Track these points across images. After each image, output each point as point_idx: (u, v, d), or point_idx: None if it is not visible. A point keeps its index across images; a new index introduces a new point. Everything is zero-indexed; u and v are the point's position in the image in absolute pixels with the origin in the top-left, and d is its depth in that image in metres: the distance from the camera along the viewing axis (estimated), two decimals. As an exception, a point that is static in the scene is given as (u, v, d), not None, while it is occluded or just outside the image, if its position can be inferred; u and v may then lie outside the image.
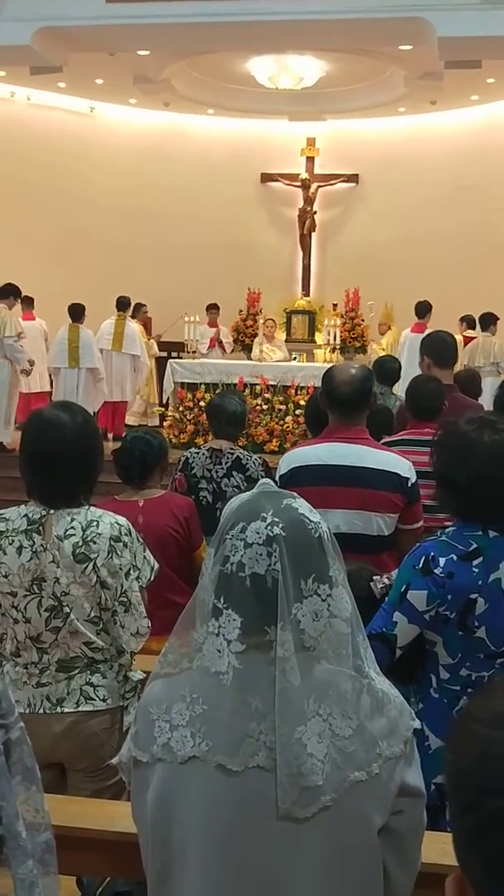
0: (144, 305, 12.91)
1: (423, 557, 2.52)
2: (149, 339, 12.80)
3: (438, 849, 2.12)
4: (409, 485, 3.52)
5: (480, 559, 2.49)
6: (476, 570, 2.48)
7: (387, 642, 2.49)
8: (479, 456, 2.54)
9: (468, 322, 11.89)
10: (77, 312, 11.47)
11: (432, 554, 2.52)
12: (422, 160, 13.91)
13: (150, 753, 1.58)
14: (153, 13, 9.59)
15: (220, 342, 13.19)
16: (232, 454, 4.77)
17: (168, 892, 1.57)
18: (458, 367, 7.39)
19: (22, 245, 13.46)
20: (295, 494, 1.68)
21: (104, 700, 2.79)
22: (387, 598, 2.57)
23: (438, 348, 5.01)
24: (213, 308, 13.27)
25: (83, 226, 13.95)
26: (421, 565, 2.51)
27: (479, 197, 13.33)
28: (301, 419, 10.37)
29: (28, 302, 12.08)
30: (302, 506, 1.63)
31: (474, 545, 2.50)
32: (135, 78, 12.59)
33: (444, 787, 2.38)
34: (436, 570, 2.49)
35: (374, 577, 2.62)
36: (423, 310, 11.07)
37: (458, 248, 13.47)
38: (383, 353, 12.14)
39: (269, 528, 1.56)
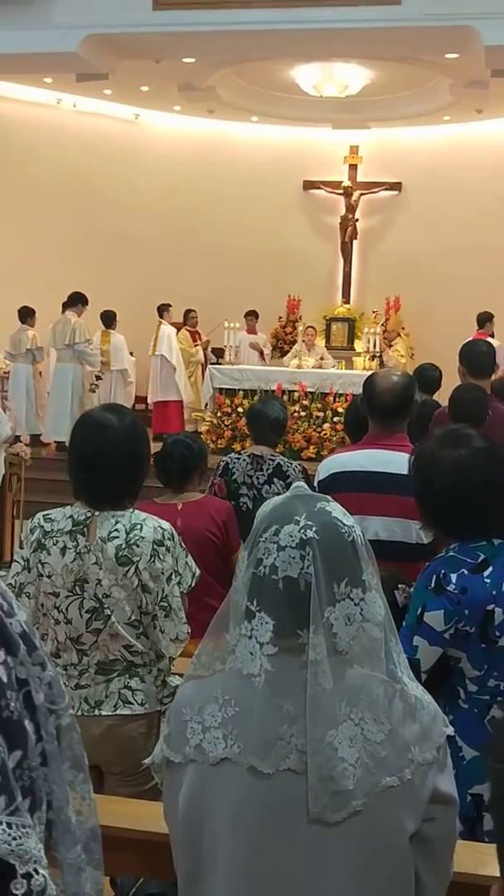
0: (192, 311, 13.03)
1: (434, 577, 2.49)
2: (194, 346, 12.92)
3: (474, 858, 2.11)
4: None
5: (490, 569, 2.47)
6: (488, 581, 2.46)
7: (411, 668, 2.45)
8: (439, 473, 2.56)
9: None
10: (109, 318, 12.05)
11: (442, 571, 2.49)
12: (466, 169, 13.83)
13: (182, 754, 1.59)
14: (199, 21, 9.64)
15: (261, 351, 13.21)
16: (273, 461, 4.78)
17: (199, 893, 1.58)
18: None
19: (66, 250, 13.60)
20: (328, 498, 1.67)
21: (142, 704, 2.80)
22: (404, 623, 2.53)
23: (472, 357, 4.97)
24: (251, 315, 13.31)
25: (127, 231, 14.07)
26: (433, 585, 2.48)
27: (523, 206, 13.23)
28: (339, 426, 10.36)
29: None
30: (335, 509, 1.63)
31: (482, 556, 2.49)
32: (180, 85, 12.67)
33: (480, 796, 2.36)
34: (448, 588, 2.46)
35: (400, 586, 2.59)
36: (483, 320, 11.14)
37: (502, 257, 13.37)
38: (402, 358, 12.24)
39: (302, 531, 1.56)
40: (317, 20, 9.48)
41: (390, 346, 13.17)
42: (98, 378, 11.87)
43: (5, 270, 12.78)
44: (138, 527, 2.73)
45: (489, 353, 5.17)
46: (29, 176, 13.46)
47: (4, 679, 0.67)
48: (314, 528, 1.56)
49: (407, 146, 14.38)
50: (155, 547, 2.72)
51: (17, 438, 10.83)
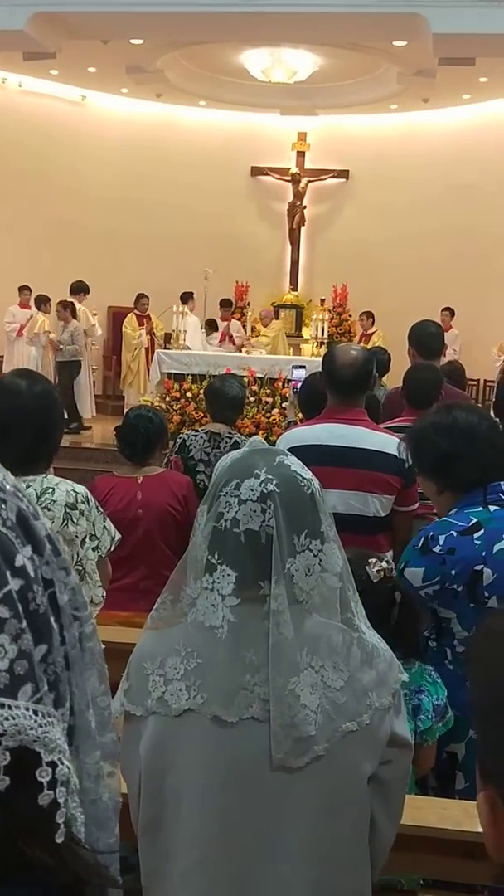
0: (145, 296, 13.06)
1: (423, 538, 2.58)
2: (138, 329, 12.92)
3: (437, 813, 2.16)
4: (407, 466, 3.54)
5: (482, 531, 2.52)
6: (478, 543, 2.51)
7: None
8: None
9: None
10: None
11: (432, 533, 2.57)
12: (413, 158, 13.97)
13: (143, 707, 1.59)
14: (148, 1, 9.56)
15: (231, 336, 13.22)
16: (230, 438, 4.77)
17: (161, 841, 1.59)
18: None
19: (9, 233, 13.41)
20: (287, 452, 1.69)
21: None
22: None
23: (422, 339, 4.97)
24: (225, 304, 13.51)
25: (71, 215, 13.92)
26: (420, 545, 2.56)
27: (469, 196, 13.39)
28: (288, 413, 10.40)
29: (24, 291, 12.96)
30: (294, 463, 1.64)
31: (474, 520, 2.54)
32: (128, 67, 12.56)
33: (454, 755, 2.41)
34: (434, 549, 2.53)
35: (370, 560, 2.63)
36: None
37: (447, 246, 13.54)
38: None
39: (262, 484, 1.57)
40: (266, 3, 9.45)
41: (255, 330, 13.19)
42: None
43: None
44: (50, 490, 2.71)
45: (438, 333, 5.18)
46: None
47: (31, 573, 0.68)
48: (274, 482, 1.57)
49: (354, 134, 14.46)
50: (68, 510, 2.70)
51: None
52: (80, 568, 2.74)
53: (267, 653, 1.53)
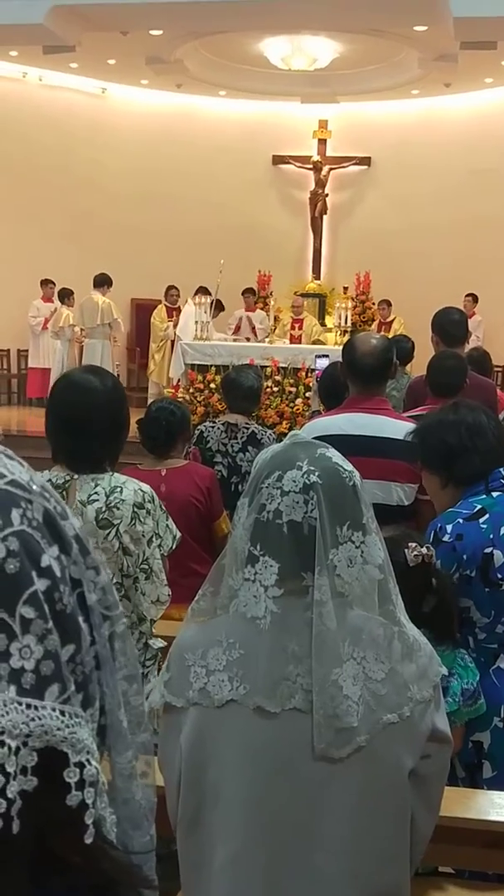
0: (175, 287, 13.17)
1: (432, 532, 2.61)
2: (167, 321, 13.00)
3: (462, 804, 2.15)
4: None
5: (487, 516, 2.56)
6: (484, 526, 2.55)
7: None
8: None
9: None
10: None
11: (439, 525, 2.61)
12: (435, 143, 13.85)
13: (185, 699, 1.60)
14: (167, -9, 9.55)
15: (253, 327, 13.21)
16: (247, 429, 4.78)
17: (201, 832, 1.59)
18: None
19: (31, 226, 13.45)
20: (327, 444, 1.71)
21: None
22: None
23: (446, 326, 4.94)
24: (248, 293, 13.50)
25: (94, 208, 13.93)
26: (431, 539, 2.58)
27: (492, 181, 13.25)
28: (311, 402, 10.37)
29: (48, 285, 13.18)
30: (335, 455, 1.67)
31: (479, 506, 2.59)
32: (147, 58, 12.54)
33: (480, 744, 2.42)
34: (444, 538, 2.56)
35: (410, 545, 2.62)
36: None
37: (470, 231, 13.42)
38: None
39: (305, 476, 1.58)
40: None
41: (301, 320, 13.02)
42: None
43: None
44: (118, 489, 2.69)
45: (462, 321, 5.15)
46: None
47: (58, 574, 0.68)
48: (317, 473, 1.59)
49: (375, 120, 14.35)
50: (135, 510, 2.69)
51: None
52: (147, 567, 2.73)
53: (310, 643, 1.53)
